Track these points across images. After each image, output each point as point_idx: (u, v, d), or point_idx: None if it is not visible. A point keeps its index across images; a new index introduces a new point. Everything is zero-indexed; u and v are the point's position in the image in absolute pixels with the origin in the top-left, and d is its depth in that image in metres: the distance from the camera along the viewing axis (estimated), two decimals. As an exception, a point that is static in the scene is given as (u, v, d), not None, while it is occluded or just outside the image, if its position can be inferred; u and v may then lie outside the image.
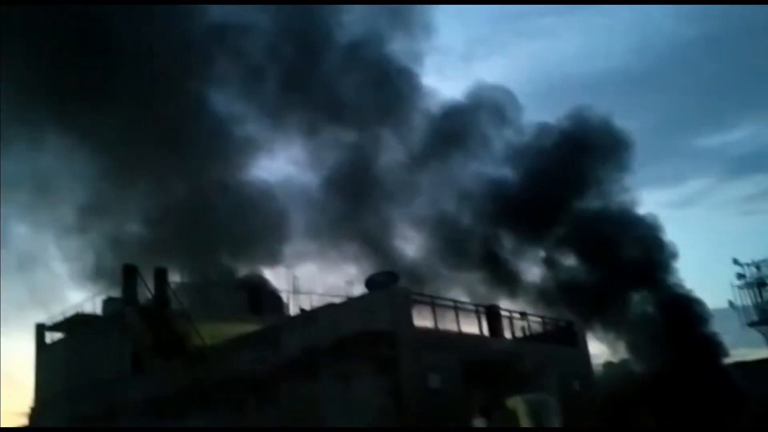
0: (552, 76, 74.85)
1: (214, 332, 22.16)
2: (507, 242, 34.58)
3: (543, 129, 35.60)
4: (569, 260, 33.53)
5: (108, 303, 24.76)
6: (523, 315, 20.87)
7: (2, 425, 30.11)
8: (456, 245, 34.19)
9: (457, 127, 36.17)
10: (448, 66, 79.52)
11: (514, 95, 36.97)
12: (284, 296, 28.43)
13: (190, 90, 32.51)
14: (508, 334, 19.75)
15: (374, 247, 34.17)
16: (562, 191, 33.23)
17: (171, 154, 31.25)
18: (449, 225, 34.81)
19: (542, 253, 34.19)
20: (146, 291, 24.18)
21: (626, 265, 30.82)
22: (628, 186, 33.83)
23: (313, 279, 31.41)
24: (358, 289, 28.45)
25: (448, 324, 18.54)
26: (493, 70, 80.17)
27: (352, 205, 34.47)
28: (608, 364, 29.93)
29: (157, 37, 30.77)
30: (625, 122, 38.01)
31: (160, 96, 30.90)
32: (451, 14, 74.84)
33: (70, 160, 32.08)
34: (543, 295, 32.70)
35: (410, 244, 35.69)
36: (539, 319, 21.76)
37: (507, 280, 33.43)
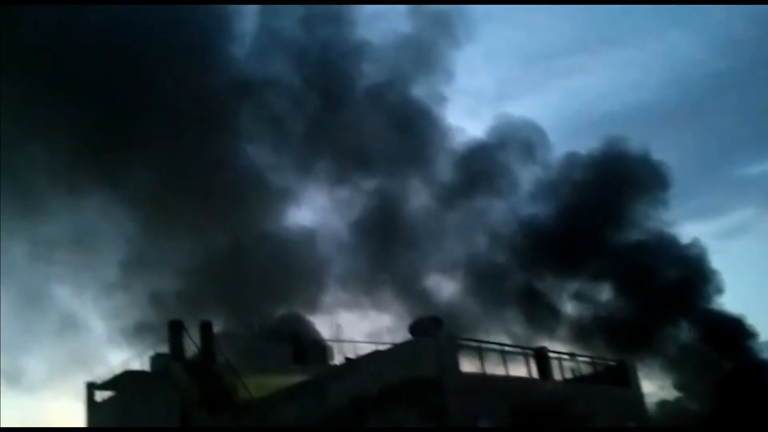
0: (586, 113, 74.65)
1: (260, 384, 22.14)
2: (543, 279, 34.14)
3: (576, 161, 35.36)
4: (607, 294, 33.02)
5: (155, 359, 24.99)
6: (573, 356, 20.46)
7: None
8: (491, 285, 33.84)
9: (486, 166, 36.21)
10: (480, 108, 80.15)
11: (542, 129, 37.00)
12: (327, 343, 28.40)
13: (219, 142, 33.09)
14: (558, 377, 19.33)
15: (409, 293, 34.01)
16: (599, 224, 32.86)
17: (205, 206, 31.77)
18: (483, 265, 34.49)
19: (580, 289, 33.65)
20: (192, 345, 24.34)
21: (670, 295, 30.16)
22: (669, 217, 33.40)
23: (353, 326, 31.38)
24: (399, 335, 28.50)
25: (495, 368, 18.27)
26: (526, 110, 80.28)
27: (383, 250, 34.47)
28: (663, 403, 28.98)
29: (186, 92, 31.55)
30: (663, 154, 37.68)
31: (191, 149, 31.59)
32: (481, 56, 75.72)
33: (108, 218, 32.62)
34: (582, 332, 32.06)
35: (444, 287, 35.42)
36: (589, 360, 21.28)
37: (545, 318, 32.90)
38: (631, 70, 78.72)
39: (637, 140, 35.27)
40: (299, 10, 35.94)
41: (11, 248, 31.77)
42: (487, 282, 33.90)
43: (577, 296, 33.63)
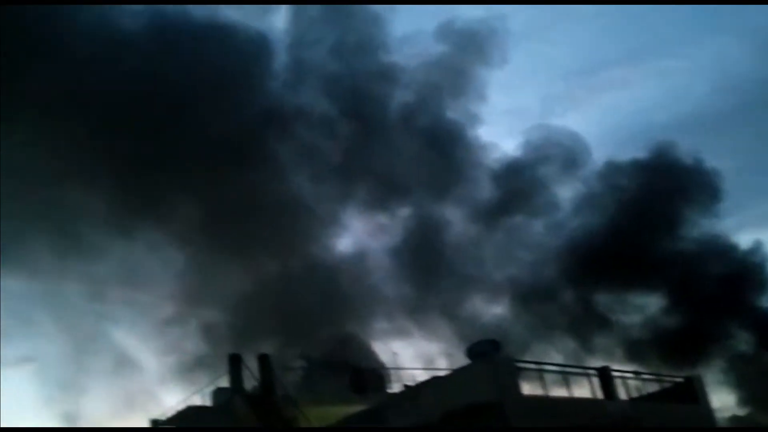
0: (633, 126, 73.22)
1: (320, 415, 22.16)
2: (593, 295, 33.44)
3: (621, 169, 34.77)
4: (660, 307, 32.14)
5: (217, 393, 25.26)
6: (637, 374, 19.94)
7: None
8: (539, 304, 33.30)
9: (525, 182, 35.91)
10: (525, 126, 79.51)
11: (580, 137, 36.51)
12: (384, 371, 28.31)
13: (259, 173, 33.45)
14: (623, 396, 18.85)
15: (457, 317, 33.68)
16: (650, 234, 32.17)
17: (251, 236, 32.10)
18: (530, 284, 33.91)
19: (632, 302, 32.87)
20: (251, 377, 24.51)
21: (727, 303, 29.26)
22: (725, 225, 32.58)
23: (402, 352, 31.23)
24: (451, 360, 28.28)
25: (558, 389, 17.96)
26: (571, 126, 78.99)
27: (426, 275, 34.20)
28: (734, 418, 27.92)
29: (225, 126, 32.10)
30: (716, 163, 36.48)
31: (232, 182, 32.10)
32: (523, 74, 75.16)
33: (157, 254, 32.93)
34: (637, 347, 31.23)
35: (491, 309, 34.94)
36: (654, 377, 20.71)
37: (598, 335, 32.19)
38: (677, 79, 76.82)
39: (688, 149, 34.57)
40: (330, 38, 36.55)
41: (66, 289, 32.67)
42: (534, 301, 33.41)
43: (630, 310, 32.87)
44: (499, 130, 72.90)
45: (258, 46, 35.03)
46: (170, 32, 32.81)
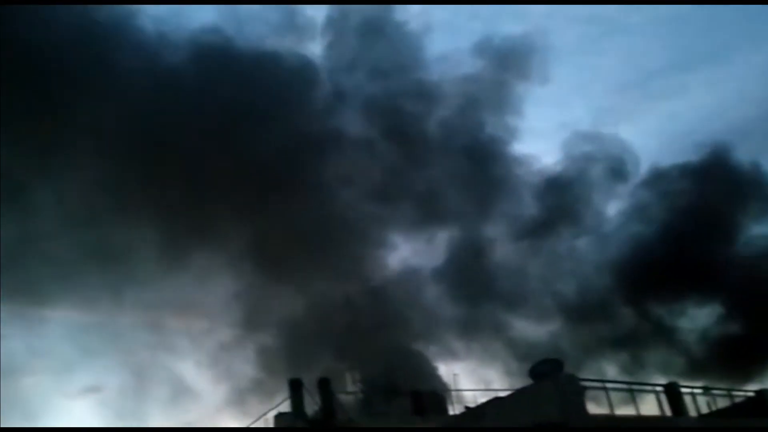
0: (688, 135, 71.57)
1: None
2: (648, 308, 32.65)
3: (676, 176, 34.10)
4: (718, 317, 31.28)
5: (279, 418, 25.48)
6: (706, 389, 19.43)
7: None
8: (595, 318, 32.64)
9: (572, 196, 35.41)
10: (576, 140, 78.44)
11: (625, 143, 35.94)
12: (444, 392, 28.15)
13: (304, 195, 33.70)
14: (692, 413, 18.40)
15: (510, 336, 33.28)
16: (708, 241, 31.39)
17: (302, 257, 32.36)
18: (582, 301, 33.24)
19: (690, 314, 32.04)
20: (312, 402, 24.67)
21: None
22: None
23: (461, 373, 30.96)
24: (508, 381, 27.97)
25: (624, 408, 17.66)
26: (625, 137, 77.39)
27: (474, 294, 33.82)
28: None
29: (270, 151, 32.56)
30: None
31: (279, 205, 32.51)
32: (573, 88, 74.42)
33: (211, 280, 33.53)
34: (698, 360, 30.38)
35: (546, 325, 34.37)
36: (724, 392, 20.14)
37: (656, 350, 31.43)
38: (733, 85, 74.81)
39: (745, 155, 33.84)
40: (367, 61, 36.80)
41: (122, 320, 33.39)
42: (588, 317, 32.79)
43: (686, 321, 32.08)
44: (551, 145, 72.09)
45: (301, 73, 35.72)
46: (214, 64, 33.71)
